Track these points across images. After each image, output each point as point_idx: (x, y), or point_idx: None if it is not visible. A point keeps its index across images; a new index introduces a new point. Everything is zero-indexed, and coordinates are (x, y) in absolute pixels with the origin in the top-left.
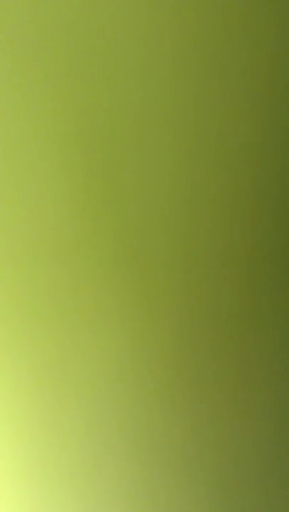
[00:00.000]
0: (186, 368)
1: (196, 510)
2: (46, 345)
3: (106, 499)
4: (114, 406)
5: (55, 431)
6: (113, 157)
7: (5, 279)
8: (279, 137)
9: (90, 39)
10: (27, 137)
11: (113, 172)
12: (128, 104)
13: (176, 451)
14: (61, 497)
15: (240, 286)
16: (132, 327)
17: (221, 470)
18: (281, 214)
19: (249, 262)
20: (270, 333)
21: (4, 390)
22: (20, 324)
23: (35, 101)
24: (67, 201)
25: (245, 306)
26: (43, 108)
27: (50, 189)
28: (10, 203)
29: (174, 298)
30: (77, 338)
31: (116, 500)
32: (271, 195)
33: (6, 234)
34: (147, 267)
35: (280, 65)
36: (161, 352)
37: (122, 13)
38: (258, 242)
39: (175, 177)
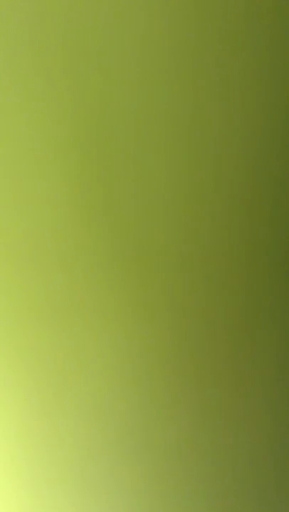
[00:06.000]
0: (185, 368)
1: None
2: (44, 346)
3: (105, 502)
4: (114, 406)
5: (53, 432)
6: (111, 157)
7: (3, 279)
8: (278, 136)
9: (89, 39)
10: (25, 138)
11: (111, 172)
12: (126, 104)
13: (174, 451)
14: (60, 500)
15: (239, 287)
16: (131, 328)
17: (219, 470)
18: (280, 215)
19: (247, 261)
20: (268, 334)
21: (3, 390)
22: (18, 325)
23: (33, 102)
24: (66, 202)
25: (244, 306)
26: (41, 109)
27: (48, 189)
28: (8, 204)
29: (173, 298)
30: (75, 339)
31: (115, 502)
32: (270, 195)
33: (4, 234)
34: (146, 267)
35: (280, 64)
36: (159, 352)
37: (120, 13)
38: (257, 243)
39: (173, 178)
